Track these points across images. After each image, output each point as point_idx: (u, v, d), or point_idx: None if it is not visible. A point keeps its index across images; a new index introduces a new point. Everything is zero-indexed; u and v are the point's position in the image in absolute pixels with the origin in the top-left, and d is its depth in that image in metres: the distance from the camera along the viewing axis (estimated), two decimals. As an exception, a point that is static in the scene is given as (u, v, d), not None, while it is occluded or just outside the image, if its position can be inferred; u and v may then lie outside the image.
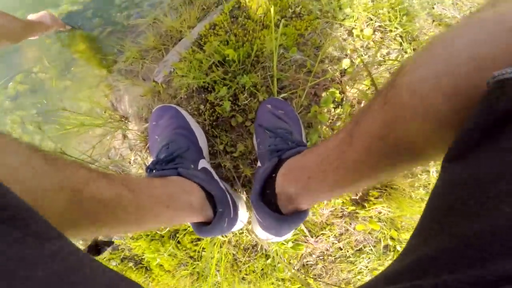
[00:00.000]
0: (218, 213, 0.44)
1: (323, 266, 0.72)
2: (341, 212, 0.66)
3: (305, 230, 0.67)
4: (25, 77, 0.90)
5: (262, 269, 0.71)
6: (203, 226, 0.43)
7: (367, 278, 0.74)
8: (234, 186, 0.62)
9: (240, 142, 0.62)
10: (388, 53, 0.73)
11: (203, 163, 0.50)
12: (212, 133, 0.62)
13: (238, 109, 0.62)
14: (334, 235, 0.69)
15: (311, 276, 0.71)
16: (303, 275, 0.70)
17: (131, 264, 0.74)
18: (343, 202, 0.64)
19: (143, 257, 0.74)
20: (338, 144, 0.34)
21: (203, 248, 0.71)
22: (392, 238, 0.72)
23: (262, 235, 0.54)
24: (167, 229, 0.71)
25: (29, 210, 0.17)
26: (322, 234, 0.68)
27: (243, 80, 0.60)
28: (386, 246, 0.73)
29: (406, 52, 0.73)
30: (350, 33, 0.74)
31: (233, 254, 0.70)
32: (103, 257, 0.72)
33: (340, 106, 0.64)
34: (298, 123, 0.58)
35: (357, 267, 0.73)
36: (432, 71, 0.23)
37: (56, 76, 0.86)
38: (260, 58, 0.65)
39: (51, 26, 0.87)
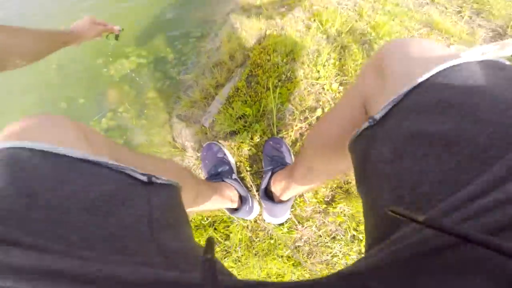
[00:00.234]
0: (243, 203, 0.84)
1: (309, 249, 1.08)
2: (318, 209, 1.03)
3: (295, 221, 1.04)
4: (113, 115, 1.36)
5: (268, 248, 1.09)
6: (235, 210, 0.83)
7: (342, 261, 1.09)
8: (251, 190, 1.02)
9: (254, 164, 1.02)
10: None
11: (234, 176, 0.91)
12: (238, 159, 1.03)
13: (253, 144, 1.02)
14: (316, 225, 1.05)
15: (301, 256, 1.07)
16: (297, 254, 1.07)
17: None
18: (318, 202, 1.01)
19: (191, 236, 1.14)
20: (294, 166, 0.73)
21: (231, 232, 1.10)
22: (356, 230, 1.07)
23: (267, 218, 0.92)
24: (208, 220, 1.11)
25: None
26: (307, 225, 1.05)
27: (256, 127, 1.01)
28: (353, 236, 1.08)
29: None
30: (323, 88, 1.13)
31: (249, 236, 1.08)
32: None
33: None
34: (289, 152, 0.97)
35: (333, 251, 1.08)
36: (315, 136, 0.60)
37: (135, 116, 1.31)
38: (265, 111, 1.05)
39: (92, 32, 0.89)
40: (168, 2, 1.62)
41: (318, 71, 1.12)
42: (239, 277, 0.39)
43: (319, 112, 1.05)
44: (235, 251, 1.07)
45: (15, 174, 0.23)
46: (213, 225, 1.09)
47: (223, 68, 1.19)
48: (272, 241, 1.06)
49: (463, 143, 0.21)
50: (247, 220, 1.01)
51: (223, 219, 1.05)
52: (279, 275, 1.02)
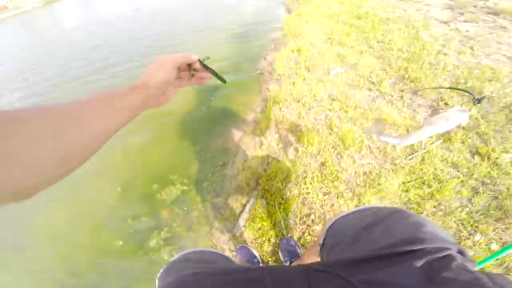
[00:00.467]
0: None
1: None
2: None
3: None
4: (169, 229, 1.89)
5: None
6: None
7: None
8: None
9: (274, 256, 1.51)
10: (332, 205, 1.63)
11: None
12: (261, 254, 1.52)
13: (271, 243, 1.52)
14: None
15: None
16: None
17: None
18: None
19: None
20: (306, 255, 1.22)
21: None
22: None
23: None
24: None
25: None
26: None
27: (271, 233, 1.52)
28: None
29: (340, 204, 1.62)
30: (313, 198, 1.66)
31: None
32: None
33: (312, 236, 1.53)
34: (298, 246, 1.46)
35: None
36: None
37: (185, 229, 1.85)
38: (276, 221, 1.58)
39: (170, 74, 0.57)
40: (196, 138, 2.31)
41: (307, 188, 1.67)
42: None
43: (312, 216, 1.57)
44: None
45: None
46: None
47: (243, 192, 1.76)
48: None
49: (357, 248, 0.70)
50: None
51: None
52: None
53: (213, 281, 0.53)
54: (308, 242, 1.50)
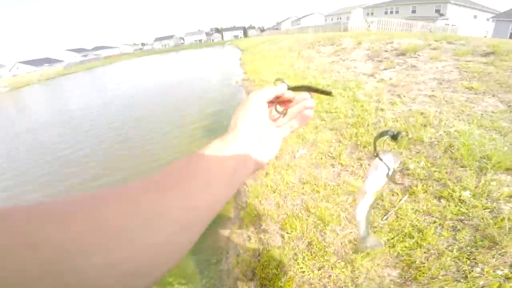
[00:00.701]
0: None
1: None
2: None
3: None
4: None
5: None
6: None
7: None
8: None
9: None
10: None
11: None
12: None
13: None
14: None
15: None
16: None
17: None
18: None
19: None
20: None
21: None
22: None
23: None
24: None
25: None
26: None
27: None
28: None
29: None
30: (309, 276, 1.62)
31: None
32: None
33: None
34: None
35: None
36: None
37: None
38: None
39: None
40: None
41: (301, 267, 1.69)
42: None
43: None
44: None
45: None
46: None
47: (242, 283, 1.72)
48: None
49: None
50: None
51: None
52: None
53: None
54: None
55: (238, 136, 0.35)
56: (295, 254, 1.82)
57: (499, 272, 1.39)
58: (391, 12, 34.48)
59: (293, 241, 1.96)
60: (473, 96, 3.19)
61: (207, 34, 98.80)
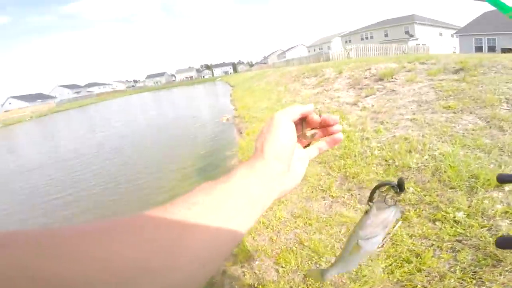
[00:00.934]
0: None
1: None
2: None
3: None
4: None
5: None
6: None
7: None
8: None
9: None
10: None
11: None
12: None
13: None
14: None
15: None
16: None
17: None
18: None
19: None
20: None
21: None
22: None
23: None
24: None
25: None
26: None
27: None
28: None
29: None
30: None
31: None
32: None
33: None
34: None
35: None
36: None
37: None
38: None
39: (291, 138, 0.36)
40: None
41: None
42: None
43: None
44: None
45: None
46: None
47: None
48: None
49: None
50: None
51: None
52: None
53: None
54: None
55: (265, 162, 0.33)
56: (291, 287, 1.73)
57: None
58: (367, 38, 36.75)
59: (288, 274, 1.87)
60: (451, 116, 3.29)
61: (198, 70, 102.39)
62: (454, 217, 1.91)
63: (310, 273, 1.77)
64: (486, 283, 1.42)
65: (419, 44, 24.57)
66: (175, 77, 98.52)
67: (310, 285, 1.72)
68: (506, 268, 1.45)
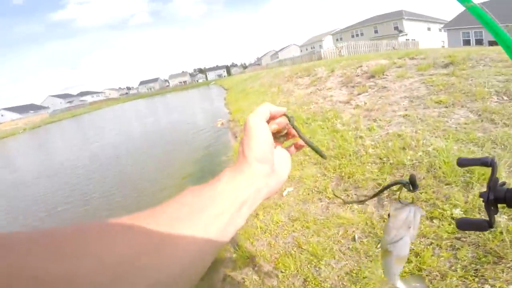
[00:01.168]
0: None
1: None
2: None
3: None
4: None
5: None
6: None
7: None
8: None
9: None
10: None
11: None
12: None
13: None
14: None
15: None
16: None
17: None
18: None
19: None
20: None
21: None
22: None
23: None
24: None
25: None
26: None
27: None
28: None
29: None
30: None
31: None
32: None
33: None
34: None
35: None
36: None
37: None
38: None
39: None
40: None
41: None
42: None
43: None
44: None
45: None
46: None
47: None
48: None
49: None
50: None
51: None
52: None
53: None
54: None
55: (249, 165, 0.35)
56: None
57: (512, 287, 1.33)
58: (357, 35, 37.02)
59: (288, 279, 1.85)
60: (444, 110, 3.30)
61: (191, 75, 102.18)
62: (452, 214, 1.90)
63: None
64: (489, 280, 1.40)
65: (408, 40, 24.80)
66: (168, 82, 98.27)
67: (311, 289, 1.70)
68: (508, 265, 1.44)
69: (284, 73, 12.29)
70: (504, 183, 0.40)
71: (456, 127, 2.88)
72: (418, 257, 1.67)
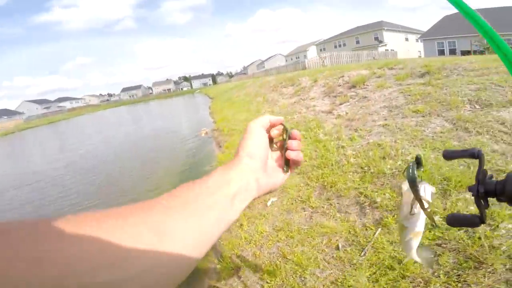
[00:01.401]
0: None
1: None
2: None
3: None
4: None
5: None
6: None
7: None
8: None
9: None
10: None
11: None
12: None
13: None
14: None
15: None
16: None
17: None
18: None
19: None
20: None
21: None
22: None
23: None
24: None
25: None
26: None
27: None
28: None
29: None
30: None
31: None
32: None
33: None
34: None
35: None
36: None
37: None
38: None
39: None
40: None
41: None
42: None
43: None
44: None
45: None
46: None
47: None
48: None
49: None
50: None
51: None
52: None
53: None
54: None
55: (239, 159, 0.38)
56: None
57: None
58: (340, 46, 38.20)
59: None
60: (421, 119, 3.42)
61: (176, 83, 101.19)
62: (432, 221, 1.95)
63: None
64: (472, 285, 1.43)
65: (387, 50, 25.83)
66: (152, 90, 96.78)
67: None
68: (489, 270, 1.47)
69: (269, 82, 12.42)
70: (492, 176, 0.40)
71: (433, 136, 2.99)
72: (401, 264, 1.69)
